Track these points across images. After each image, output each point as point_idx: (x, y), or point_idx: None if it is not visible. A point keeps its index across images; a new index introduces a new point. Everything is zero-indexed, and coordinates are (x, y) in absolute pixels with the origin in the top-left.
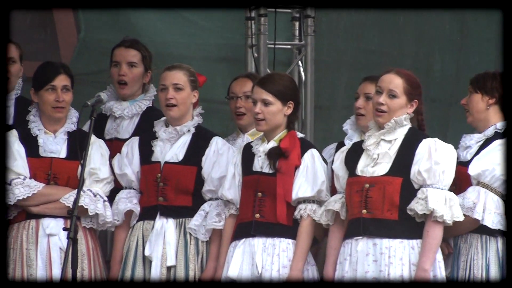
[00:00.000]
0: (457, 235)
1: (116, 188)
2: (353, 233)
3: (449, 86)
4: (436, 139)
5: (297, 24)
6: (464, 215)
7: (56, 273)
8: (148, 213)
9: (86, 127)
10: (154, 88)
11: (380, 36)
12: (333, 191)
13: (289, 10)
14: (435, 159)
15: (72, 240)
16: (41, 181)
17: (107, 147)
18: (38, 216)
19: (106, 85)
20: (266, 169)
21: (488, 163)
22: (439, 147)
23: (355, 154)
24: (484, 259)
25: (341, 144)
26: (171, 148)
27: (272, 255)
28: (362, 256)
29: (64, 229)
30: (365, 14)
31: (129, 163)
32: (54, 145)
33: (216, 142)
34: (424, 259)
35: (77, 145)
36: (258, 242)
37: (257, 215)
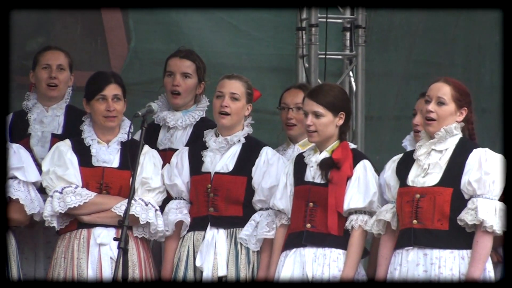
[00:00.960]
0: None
1: (167, 198)
2: (404, 243)
3: (500, 97)
4: (487, 149)
5: (348, 34)
6: None
7: (107, 282)
8: (198, 223)
9: (136, 137)
10: (206, 99)
11: (430, 47)
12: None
13: (340, 21)
14: (485, 169)
15: (123, 250)
16: (93, 190)
17: (160, 157)
18: (90, 226)
19: (157, 94)
20: (318, 180)
21: None
22: (489, 157)
23: (406, 164)
24: None
25: None
26: (221, 158)
27: (323, 265)
28: (413, 266)
29: (115, 239)
30: (416, 24)
31: (179, 173)
32: (107, 154)
33: (266, 152)
34: (473, 269)
35: (129, 155)
36: (309, 252)
37: (308, 225)
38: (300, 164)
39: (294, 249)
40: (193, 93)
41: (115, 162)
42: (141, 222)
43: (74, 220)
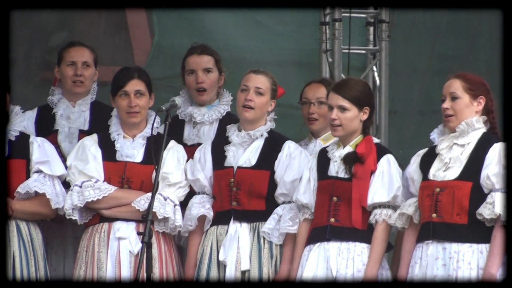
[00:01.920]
0: None
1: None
2: (424, 237)
3: None
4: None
5: (371, 29)
6: None
7: (125, 276)
8: (221, 218)
9: (161, 130)
10: (228, 93)
11: (454, 41)
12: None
13: (363, 15)
14: (504, 163)
15: (146, 244)
16: (115, 184)
17: (185, 153)
18: (111, 220)
19: (180, 89)
20: (342, 174)
21: None
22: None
23: (429, 158)
24: None
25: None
26: (244, 152)
27: (347, 259)
28: (432, 260)
29: (139, 233)
30: (439, 19)
31: (202, 168)
32: (130, 149)
33: (289, 146)
34: (490, 263)
35: (152, 150)
36: (333, 246)
37: (332, 220)
38: (323, 159)
39: (318, 244)
40: (217, 86)
41: (138, 157)
42: (159, 217)
43: (97, 214)
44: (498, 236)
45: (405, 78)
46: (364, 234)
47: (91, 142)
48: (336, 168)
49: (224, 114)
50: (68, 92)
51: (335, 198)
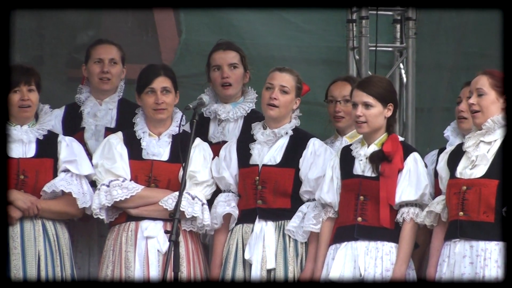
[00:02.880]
0: None
1: (217, 191)
2: (451, 235)
3: None
4: None
5: (398, 26)
6: None
7: (154, 275)
8: (247, 216)
9: (186, 128)
10: (253, 91)
11: (480, 38)
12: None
13: (390, 13)
14: None
15: (174, 243)
16: (142, 183)
17: (211, 151)
18: (138, 219)
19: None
20: (368, 173)
21: None
22: None
23: (456, 156)
24: None
25: (442, 150)
26: (268, 150)
27: (375, 258)
28: (459, 258)
29: (166, 232)
30: (466, 16)
31: (227, 166)
32: (156, 147)
33: (313, 143)
34: None
35: (179, 148)
36: (361, 246)
37: (360, 219)
38: (347, 157)
39: (345, 243)
40: (242, 82)
41: (164, 155)
42: (187, 216)
43: (124, 213)
44: None
45: (431, 75)
46: (392, 233)
47: (117, 140)
48: (362, 167)
49: (248, 112)
50: (95, 89)
51: (361, 197)
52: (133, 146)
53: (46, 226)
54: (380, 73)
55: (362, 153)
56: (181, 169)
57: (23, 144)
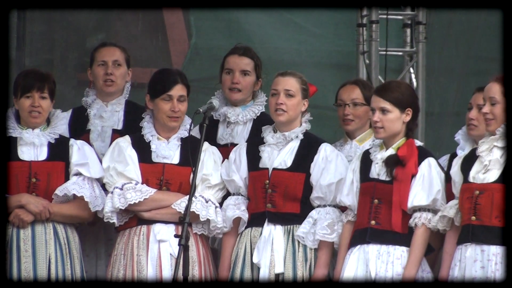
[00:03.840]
0: None
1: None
2: (463, 239)
3: None
4: None
5: (408, 30)
6: None
7: (166, 279)
8: (256, 219)
9: (193, 132)
10: (263, 94)
11: (491, 42)
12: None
13: (400, 17)
14: None
15: (184, 247)
16: (153, 186)
17: (220, 154)
18: (149, 222)
19: (215, 91)
20: (383, 177)
21: None
22: None
23: (470, 160)
24: None
25: (453, 155)
26: (279, 154)
27: (387, 263)
28: (470, 262)
29: (176, 235)
30: (476, 20)
31: (237, 169)
32: (167, 150)
33: (325, 149)
34: None
35: (189, 152)
36: (372, 249)
37: (373, 222)
38: (366, 161)
39: (358, 246)
40: (252, 90)
41: (175, 158)
42: (201, 219)
43: (134, 217)
44: None
45: (441, 79)
46: (404, 238)
47: (126, 144)
48: (377, 170)
49: (258, 114)
50: (101, 92)
51: (376, 201)
52: (142, 149)
53: (57, 229)
54: (390, 77)
55: (379, 157)
56: (192, 172)
57: (34, 147)
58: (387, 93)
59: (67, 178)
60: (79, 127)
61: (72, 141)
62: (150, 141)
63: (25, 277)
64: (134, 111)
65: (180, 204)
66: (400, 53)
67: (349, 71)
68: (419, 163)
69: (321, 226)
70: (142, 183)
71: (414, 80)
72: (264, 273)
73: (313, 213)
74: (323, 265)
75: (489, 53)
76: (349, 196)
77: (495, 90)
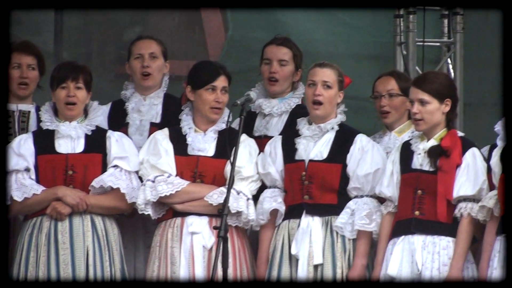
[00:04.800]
0: None
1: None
2: (501, 230)
3: None
4: None
5: (446, 21)
6: None
7: (199, 271)
8: (293, 211)
9: (233, 125)
10: (303, 86)
11: None
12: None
13: (437, 8)
14: None
15: (223, 239)
16: (187, 179)
17: (256, 146)
18: (184, 214)
19: (254, 83)
20: (426, 167)
21: None
22: None
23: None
24: None
25: (493, 146)
26: (314, 145)
27: (432, 253)
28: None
29: (215, 227)
30: None
31: (273, 162)
32: (202, 143)
33: (361, 140)
34: None
35: (227, 144)
36: (418, 240)
37: (417, 213)
38: (406, 152)
39: (403, 237)
40: (290, 80)
41: (210, 151)
42: (232, 211)
43: (171, 209)
44: None
45: (479, 70)
46: (449, 228)
47: (163, 137)
48: (420, 161)
49: (293, 107)
50: (139, 86)
51: (419, 191)
52: (179, 142)
53: (95, 221)
54: (428, 68)
55: (421, 148)
56: (227, 164)
57: (71, 139)
58: (426, 84)
59: (104, 170)
60: (118, 121)
61: (109, 132)
62: (186, 133)
63: (64, 270)
64: (172, 104)
65: (212, 196)
66: (438, 44)
67: (386, 63)
68: (463, 153)
69: (359, 216)
70: (176, 176)
71: (451, 70)
72: (303, 265)
73: (351, 203)
74: (362, 255)
75: None
76: (389, 188)
77: None
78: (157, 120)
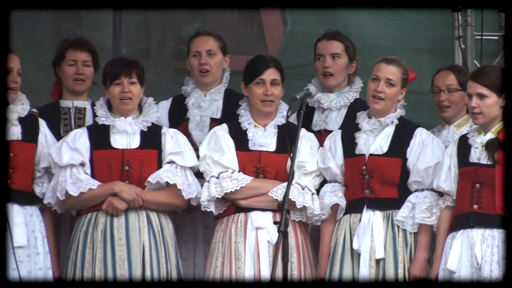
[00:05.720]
0: None
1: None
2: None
3: None
4: None
5: (503, 14)
6: None
7: (264, 266)
8: (354, 206)
9: (291, 119)
10: (360, 80)
11: None
12: None
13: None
14: None
15: (283, 234)
16: (250, 174)
17: (316, 140)
18: (247, 210)
19: (312, 78)
20: (484, 161)
21: None
22: None
23: None
24: None
25: None
26: (374, 140)
27: (492, 246)
28: None
29: (275, 222)
30: None
31: (333, 156)
32: (263, 138)
33: (420, 133)
34: None
35: (287, 139)
36: (477, 233)
37: (475, 206)
38: (463, 146)
39: (461, 231)
40: (345, 73)
41: (271, 146)
42: (298, 206)
43: (232, 205)
44: None
45: None
46: None
47: (223, 132)
48: (477, 155)
49: (352, 101)
50: (198, 82)
51: (478, 185)
52: (239, 138)
53: (150, 217)
54: (486, 62)
55: (479, 141)
56: (289, 159)
57: (127, 135)
58: (484, 78)
59: (159, 166)
60: (178, 116)
61: (164, 129)
62: (247, 129)
63: (120, 266)
64: (233, 99)
65: (276, 191)
66: (496, 38)
67: (445, 56)
68: None
69: (420, 209)
70: (239, 171)
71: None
72: (365, 259)
73: (411, 197)
74: (424, 248)
75: None
76: (447, 182)
77: None
78: (218, 115)
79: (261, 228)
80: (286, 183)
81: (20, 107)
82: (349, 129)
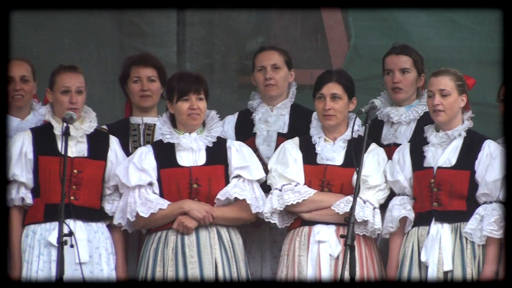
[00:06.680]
0: None
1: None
2: None
3: None
4: None
5: None
6: None
7: (325, 280)
8: (422, 219)
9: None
10: None
11: None
12: None
13: None
14: None
15: (350, 247)
16: (315, 188)
17: (385, 155)
18: (312, 223)
19: (378, 91)
20: None
21: None
22: None
23: None
24: None
25: None
26: (443, 152)
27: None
28: None
29: (341, 236)
30: None
31: (401, 169)
32: (331, 152)
33: (489, 146)
34: None
35: (353, 153)
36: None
37: None
38: None
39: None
40: (415, 86)
41: (338, 160)
42: (358, 220)
43: (298, 218)
44: None
45: None
46: None
47: (292, 146)
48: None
49: (421, 114)
50: (264, 97)
51: None
52: (308, 151)
53: (221, 233)
54: None
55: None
56: (355, 173)
57: (193, 152)
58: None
59: (227, 181)
60: (245, 131)
61: (229, 142)
62: (316, 143)
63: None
64: (299, 114)
65: (339, 205)
66: None
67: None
68: None
69: (488, 222)
70: (304, 184)
71: None
72: (433, 272)
73: (480, 209)
74: (492, 261)
75: None
76: None
77: None
78: (284, 130)
79: (323, 241)
80: (349, 197)
81: (87, 125)
82: (418, 142)
